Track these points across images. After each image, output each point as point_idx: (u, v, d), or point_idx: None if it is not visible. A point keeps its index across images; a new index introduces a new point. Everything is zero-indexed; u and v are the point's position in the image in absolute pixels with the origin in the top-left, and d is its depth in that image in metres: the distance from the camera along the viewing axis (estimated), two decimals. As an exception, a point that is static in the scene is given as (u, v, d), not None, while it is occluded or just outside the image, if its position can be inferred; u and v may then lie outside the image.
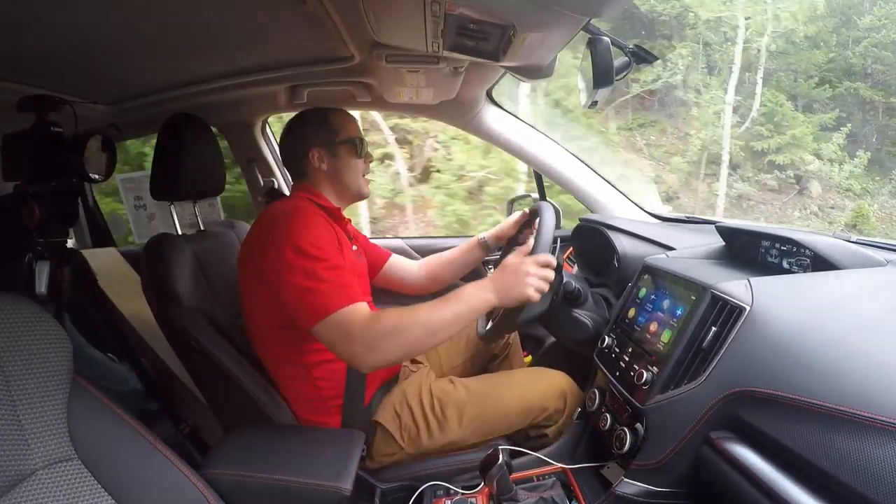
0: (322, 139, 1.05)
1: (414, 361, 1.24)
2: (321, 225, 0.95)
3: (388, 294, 1.38)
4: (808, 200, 9.01)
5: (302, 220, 0.93)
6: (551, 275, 0.94)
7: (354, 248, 1.14)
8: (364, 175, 1.10)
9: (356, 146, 1.07)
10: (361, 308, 0.88)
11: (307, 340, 0.98)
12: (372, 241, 1.37)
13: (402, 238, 1.78)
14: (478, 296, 0.90)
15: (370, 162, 1.13)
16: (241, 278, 1.01)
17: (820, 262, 0.83)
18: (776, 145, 8.95)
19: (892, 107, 9.44)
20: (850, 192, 8.94)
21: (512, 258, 0.94)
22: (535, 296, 0.91)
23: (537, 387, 1.11)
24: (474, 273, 1.43)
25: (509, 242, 1.28)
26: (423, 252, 1.75)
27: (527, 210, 1.28)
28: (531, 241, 1.03)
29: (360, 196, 1.11)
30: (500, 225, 1.30)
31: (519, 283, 0.90)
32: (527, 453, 1.02)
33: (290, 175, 1.14)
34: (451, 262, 1.33)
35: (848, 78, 9.50)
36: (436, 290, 1.37)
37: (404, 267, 1.35)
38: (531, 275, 0.91)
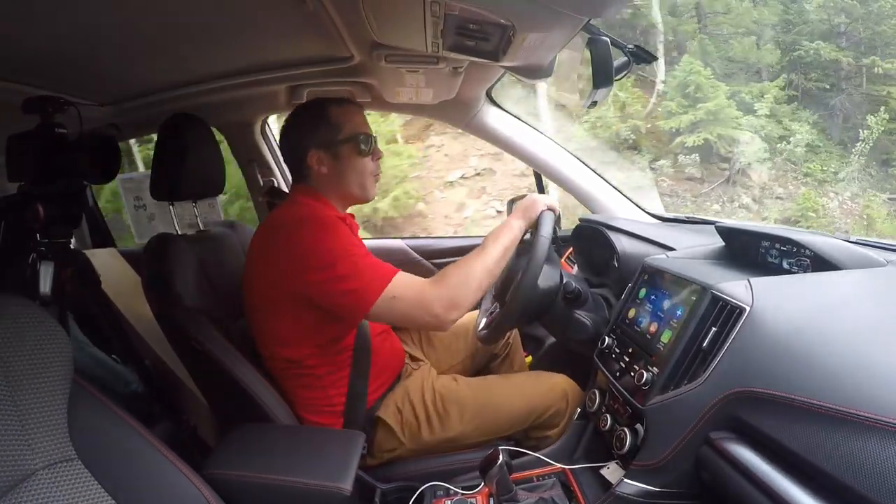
0: (321, 139, 0.99)
1: (415, 359, 1.24)
2: (338, 225, 0.94)
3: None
4: (740, 190, 7.29)
5: (322, 225, 0.92)
6: (554, 201, 1.04)
7: None
8: (373, 174, 1.04)
9: (359, 144, 1.00)
10: (408, 276, 0.93)
11: (322, 351, 0.99)
12: (373, 241, 1.37)
13: (402, 238, 1.77)
14: (509, 225, 1.01)
15: (379, 159, 1.05)
16: (252, 291, 0.99)
17: (820, 263, 0.83)
18: (688, 122, 7.13)
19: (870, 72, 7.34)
20: (812, 179, 7.21)
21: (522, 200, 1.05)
22: (551, 201, 1.03)
23: (540, 389, 1.10)
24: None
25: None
26: (423, 252, 1.75)
27: None
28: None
29: (365, 199, 1.06)
30: None
31: (532, 204, 1.03)
32: (527, 453, 1.02)
33: (291, 176, 1.09)
34: None
35: (808, 39, 7.58)
36: None
37: None
38: (538, 198, 1.03)
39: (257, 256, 0.97)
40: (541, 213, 1.03)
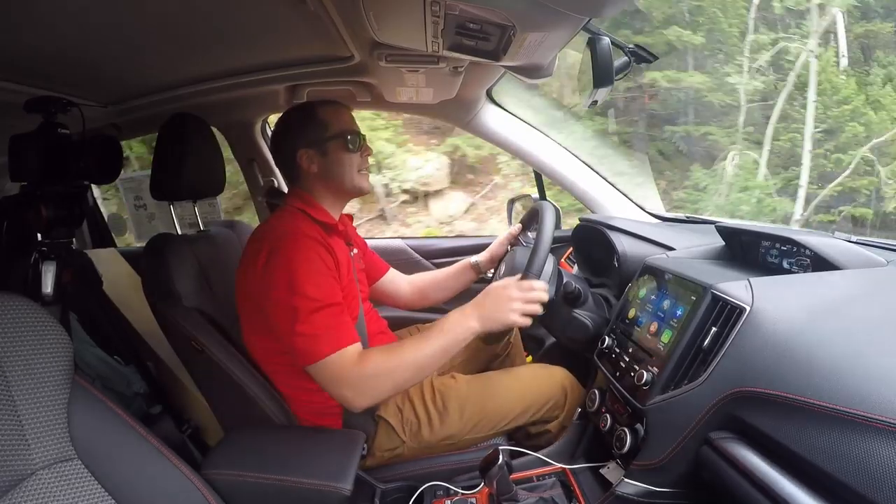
0: (309, 138, 0.99)
1: None
2: (314, 254, 0.91)
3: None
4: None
5: (295, 252, 0.89)
6: (540, 297, 0.92)
7: (355, 251, 1.13)
8: (361, 170, 1.04)
9: (347, 141, 1.00)
10: (350, 352, 0.88)
11: None
12: (373, 240, 1.37)
13: (402, 238, 1.77)
14: (462, 324, 0.90)
15: (368, 155, 1.05)
16: (238, 296, 0.99)
17: (820, 263, 0.83)
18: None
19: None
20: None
21: (496, 283, 0.94)
22: (521, 321, 0.90)
23: (538, 382, 1.11)
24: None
25: (512, 245, 1.29)
26: (423, 252, 1.75)
27: (519, 225, 1.29)
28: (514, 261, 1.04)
29: (359, 193, 1.06)
30: (490, 247, 1.31)
31: (503, 308, 0.90)
32: (527, 453, 1.02)
33: (285, 181, 1.10)
34: (440, 284, 1.33)
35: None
36: (423, 306, 1.39)
37: (397, 283, 1.34)
38: (514, 299, 0.90)
39: (243, 263, 0.97)
40: (542, 206, 1.03)
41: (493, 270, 1.54)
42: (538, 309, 0.92)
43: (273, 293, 0.88)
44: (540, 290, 0.92)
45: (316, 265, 0.91)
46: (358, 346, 0.90)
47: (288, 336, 0.87)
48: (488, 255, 1.30)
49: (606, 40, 0.81)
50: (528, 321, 0.91)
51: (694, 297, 0.80)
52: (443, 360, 0.90)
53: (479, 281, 1.35)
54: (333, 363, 0.86)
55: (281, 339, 0.90)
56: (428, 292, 1.35)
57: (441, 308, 1.70)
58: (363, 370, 0.87)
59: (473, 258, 1.31)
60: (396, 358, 0.88)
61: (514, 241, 1.30)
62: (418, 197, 5.72)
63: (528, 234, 1.34)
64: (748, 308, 0.70)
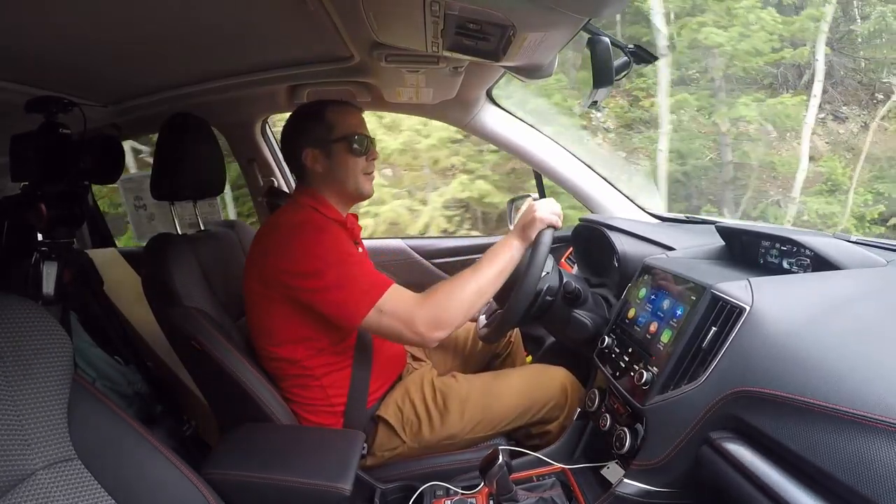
0: (315, 138, 1.01)
1: (416, 359, 1.24)
2: (337, 231, 0.97)
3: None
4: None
5: (319, 231, 0.94)
6: (556, 205, 1.00)
7: (360, 250, 1.14)
8: (366, 173, 1.05)
9: (352, 144, 1.01)
10: (401, 290, 0.92)
11: (320, 351, 0.99)
12: (373, 241, 1.37)
13: (402, 238, 1.77)
14: (506, 244, 0.99)
15: (374, 160, 1.06)
16: (250, 289, 0.99)
17: (820, 263, 0.83)
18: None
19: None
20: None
21: (526, 211, 1.01)
22: (550, 217, 0.97)
23: (539, 382, 1.11)
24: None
25: None
26: (423, 252, 1.75)
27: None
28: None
29: (361, 197, 1.07)
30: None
31: (532, 219, 0.98)
32: (527, 453, 1.02)
33: (294, 177, 1.12)
34: None
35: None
36: None
37: None
38: (538, 208, 0.98)
39: (256, 257, 0.98)
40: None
41: None
42: (559, 209, 1.00)
43: (311, 266, 0.90)
44: (553, 202, 1.01)
45: (336, 235, 0.95)
46: (400, 286, 0.93)
47: (337, 295, 0.90)
48: None
49: (606, 40, 0.81)
50: (556, 219, 0.99)
51: (694, 297, 0.80)
52: (500, 282, 0.97)
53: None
54: (394, 302, 0.90)
55: (325, 307, 0.91)
56: None
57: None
58: (432, 302, 0.91)
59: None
60: (460, 286, 0.93)
61: None
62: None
63: None
64: (748, 308, 0.70)
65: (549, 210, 0.98)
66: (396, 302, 0.90)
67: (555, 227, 0.99)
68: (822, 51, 5.62)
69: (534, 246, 0.98)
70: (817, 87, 5.65)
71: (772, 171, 5.78)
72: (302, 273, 0.90)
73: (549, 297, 1.06)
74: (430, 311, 0.90)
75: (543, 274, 1.02)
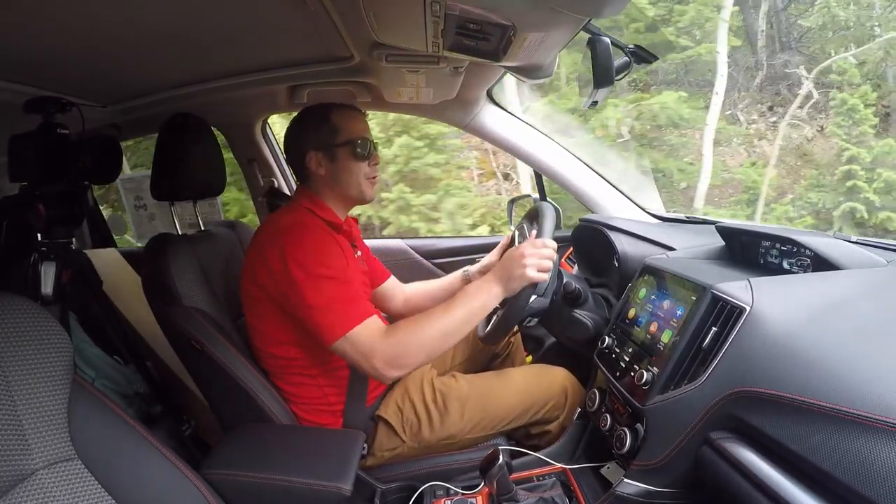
0: (320, 141, 1.00)
1: None
2: (325, 239, 0.95)
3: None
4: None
5: (306, 236, 0.93)
6: (550, 254, 0.94)
7: (358, 253, 1.14)
8: (369, 178, 1.04)
9: (356, 148, 1.01)
10: (375, 323, 0.90)
11: (316, 353, 0.99)
12: (373, 241, 1.37)
13: (402, 238, 1.77)
14: (485, 289, 0.93)
15: (376, 164, 1.06)
16: (245, 290, 1.00)
17: (820, 263, 0.83)
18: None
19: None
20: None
21: (509, 251, 0.96)
22: (537, 276, 0.92)
23: (539, 382, 1.11)
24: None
25: (513, 240, 1.28)
26: (423, 252, 1.75)
27: (514, 235, 1.29)
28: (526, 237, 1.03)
29: (362, 200, 1.07)
30: (485, 259, 1.31)
31: (518, 266, 0.92)
32: (527, 453, 1.02)
33: (296, 178, 1.11)
34: (433, 296, 1.32)
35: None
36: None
37: (393, 292, 1.34)
38: (528, 256, 0.92)
39: (252, 256, 0.99)
40: (541, 213, 1.03)
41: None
42: (549, 264, 0.94)
43: (291, 276, 0.89)
44: (550, 247, 0.95)
45: (330, 247, 0.94)
46: (376, 317, 0.91)
47: (311, 314, 0.89)
48: (481, 267, 1.29)
49: (606, 41, 0.80)
50: (544, 276, 0.93)
51: (694, 297, 0.80)
52: (469, 326, 0.92)
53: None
54: (360, 335, 0.88)
55: (305, 324, 0.91)
56: (420, 306, 1.33)
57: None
58: (393, 340, 0.88)
59: (465, 270, 1.31)
60: (425, 326, 0.90)
61: (510, 245, 1.29)
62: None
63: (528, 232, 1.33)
64: (748, 308, 0.70)
65: (539, 260, 0.92)
66: (362, 335, 0.88)
67: (545, 281, 0.95)
68: (724, 41, 5.28)
69: (513, 300, 0.96)
70: (720, 84, 5.30)
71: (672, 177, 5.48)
72: (284, 282, 0.90)
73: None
74: (391, 348, 0.88)
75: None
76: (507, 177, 5.93)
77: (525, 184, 5.31)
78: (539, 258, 0.93)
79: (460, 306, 0.91)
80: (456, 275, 1.32)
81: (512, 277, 0.92)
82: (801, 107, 5.97)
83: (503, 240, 1.32)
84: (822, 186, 5.55)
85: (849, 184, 5.36)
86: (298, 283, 0.88)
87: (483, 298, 0.92)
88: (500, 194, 5.92)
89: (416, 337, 0.89)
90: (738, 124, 6.25)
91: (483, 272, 1.27)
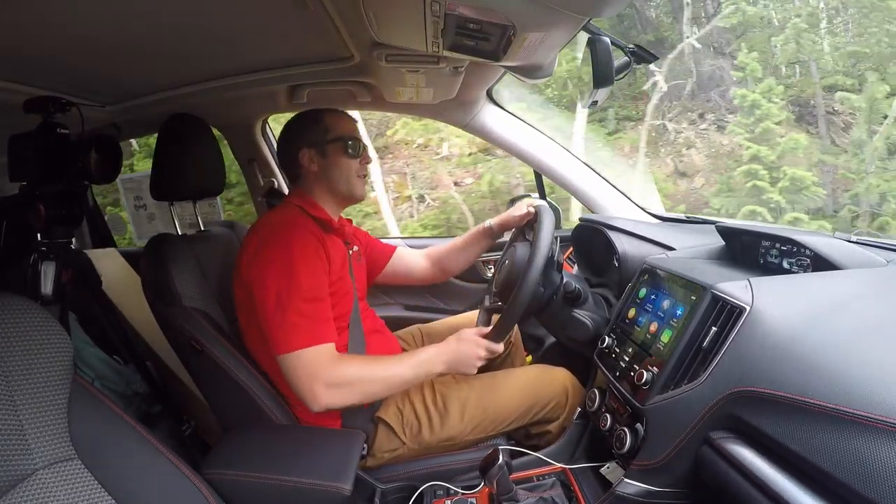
0: (312, 139, 1.04)
1: None
2: (308, 248, 0.95)
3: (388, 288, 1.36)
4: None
5: (289, 241, 0.93)
6: (498, 351, 1.01)
7: (354, 249, 1.14)
8: (359, 176, 1.07)
9: (347, 146, 1.04)
10: (327, 349, 0.91)
11: None
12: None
13: (401, 238, 1.77)
14: (434, 362, 0.97)
15: (367, 163, 1.09)
16: (235, 292, 1.01)
17: (820, 263, 0.83)
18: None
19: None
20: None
21: (472, 336, 1.00)
22: (467, 367, 0.99)
23: (539, 382, 1.11)
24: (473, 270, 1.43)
25: (513, 238, 1.27)
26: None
27: (532, 209, 1.26)
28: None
29: (353, 198, 1.09)
30: (505, 213, 1.26)
31: (468, 363, 0.98)
32: (527, 453, 1.02)
33: (287, 179, 1.13)
34: (458, 250, 1.33)
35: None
36: (443, 279, 1.39)
37: (410, 258, 1.35)
38: (480, 358, 0.98)
39: (239, 256, 1.00)
40: (540, 215, 1.03)
41: (491, 271, 1.54)
42: (474, 366, 1.00)
43: (263, 277, 0.91)
44: (499, 350, 1.02)
45: (308, 256, 0.94)
46: (333, 345, 0.92)
47: (269, 320, 0.90)
48: (501, 220, 1.26)
49: (606, 40, 0.81)
50: (471, 369, 1.00)
51: (694, 297, 0.80)
52: (409, 386, 0.99)
53: (491, 250, 1.37)
54: (309, 356, 0.88)
55: (261, 325, 0.92)
56: (446, 263, 1.34)
57: (442, 308, 1.71)
58: (339, 371, 0.90)
59: (488, 222, 1.29)
60: (372, 370, 0.94)
61: (517, 236, 1.28)
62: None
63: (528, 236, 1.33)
64: (748, 308, 0.70)
65: (474, 351, 0.97)
66: (313, 356, 0.89)
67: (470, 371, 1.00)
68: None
69: (513, 300, 0.96)
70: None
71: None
72: (255, 277, 0.92)
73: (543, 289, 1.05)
74: (336, 378, 0.89)
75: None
76: (421, 199, 6.29)
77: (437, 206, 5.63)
78: (485, 359, 0.99)
79: (408, 368, 0.95)
80: (479, 229, 1.32)
81: (461, 364, 0.98)
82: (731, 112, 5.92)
83: (524, 211, 1.21)
84: (733, 191, 5.47)
85: (748, 184, 5.25)
86: (268, 288, 0.90)
87: (429, 369, 0.96)
88: (412, 217, 6.30)
89: (363, 378, 0.91)
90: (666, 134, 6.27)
91: (503, 225, 1.25)
